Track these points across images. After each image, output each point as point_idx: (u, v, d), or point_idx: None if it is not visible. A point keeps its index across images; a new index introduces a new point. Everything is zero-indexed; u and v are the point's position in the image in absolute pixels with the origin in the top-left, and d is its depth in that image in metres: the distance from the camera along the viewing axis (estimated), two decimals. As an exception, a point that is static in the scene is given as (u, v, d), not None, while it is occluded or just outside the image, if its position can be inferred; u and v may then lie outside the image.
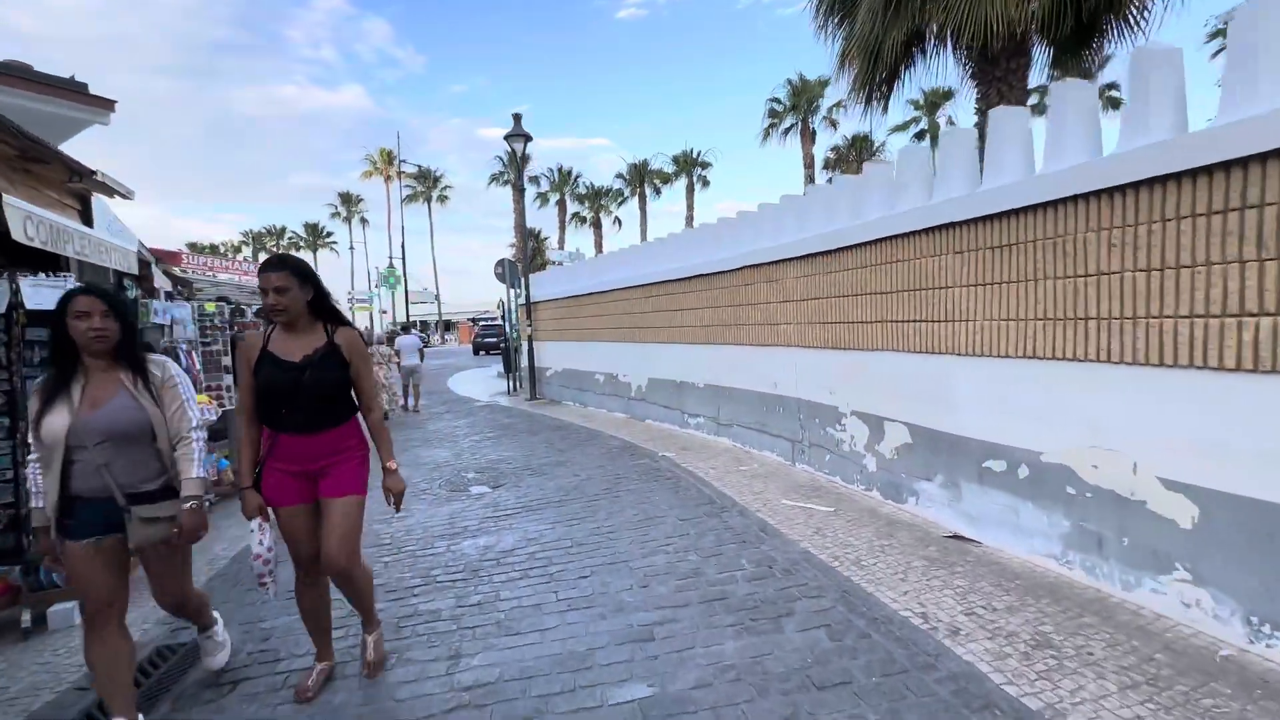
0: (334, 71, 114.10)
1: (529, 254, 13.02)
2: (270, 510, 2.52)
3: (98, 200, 7.26)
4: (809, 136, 32.65)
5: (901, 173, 4.43)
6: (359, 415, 2.69)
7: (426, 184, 48.44)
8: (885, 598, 3.15)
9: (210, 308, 6.11)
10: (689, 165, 37.43)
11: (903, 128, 31.62)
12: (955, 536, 3.92)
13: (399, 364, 11.42)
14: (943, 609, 3.02)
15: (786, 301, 5.75)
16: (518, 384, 14.08)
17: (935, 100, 29.93)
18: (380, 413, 2.73)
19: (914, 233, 4.19)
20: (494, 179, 45.79)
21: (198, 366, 5.40)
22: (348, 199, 59.03)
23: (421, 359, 12.13)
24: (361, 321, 50.32)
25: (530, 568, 3.81)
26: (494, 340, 30.68)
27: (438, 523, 4.81)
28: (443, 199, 50.21)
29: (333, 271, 66.86)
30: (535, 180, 45.82)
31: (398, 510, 2.73)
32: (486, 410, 11.33)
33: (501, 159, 45.59)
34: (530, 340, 12.50)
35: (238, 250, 62.58)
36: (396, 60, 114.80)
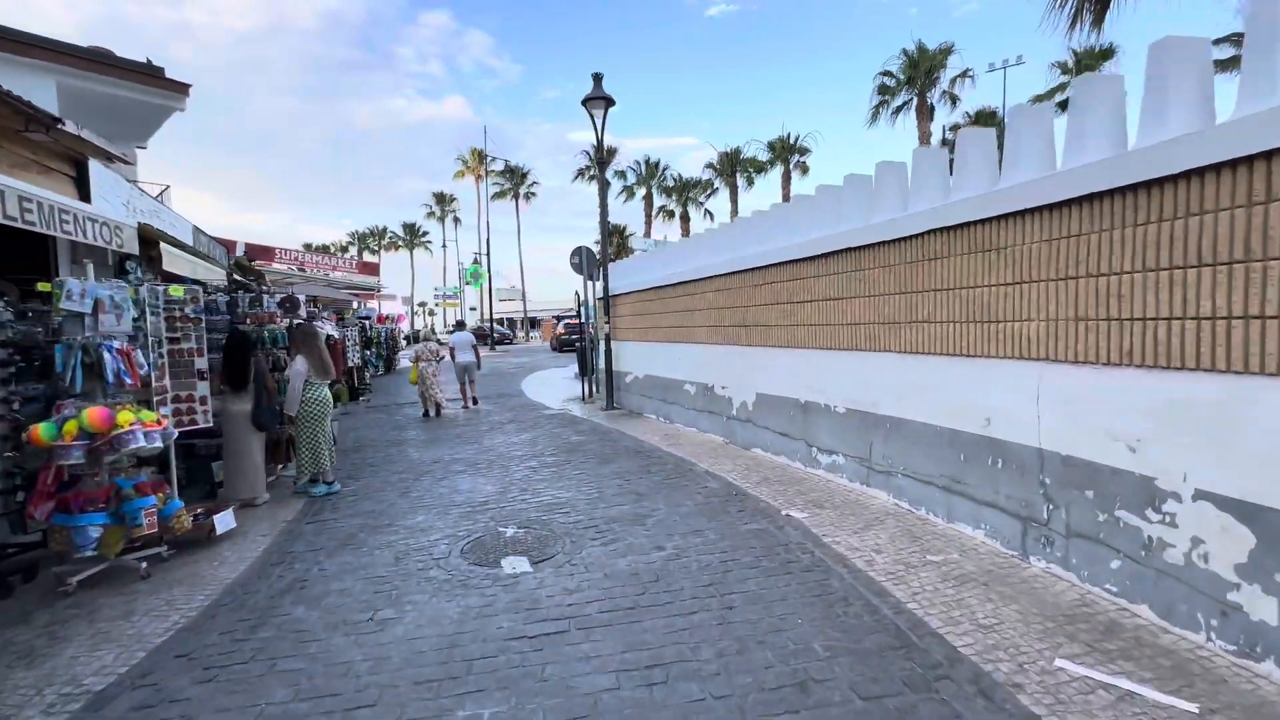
0: (438, 84, 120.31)
1: (608, 242, 11.11)
2: None
3: (170, 197, 5.95)
4: (926, 113, 28.86)
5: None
6: None
7: (514, 180, 48.40)
8: None
9: (177, 291, 4.61)
10: (785, 151, 34.44)
11: (1045, 97, 27.11)
12: None
13: (454, 359, 11.46)
14: None
15: (1038, 282, 3.40)
16: (594, 388, 12.29)
17: (1089, 62, 25.28)
18: None
19: None
20: (579, 174, 44.92)
21: (142, 367, 3.87)
22: (441, 198, 60.63)
23: (477, 356, 11.68)
24: (448, 317, 51.41)
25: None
26: (573, 338, 29.75)
27: (430, 646, 2.93)
28: (529, 195, 50.03)
29: (426, 269, 69.14)
30: (621, 174, 44.47)
31: None
32: (555, 422, 9.57)
33: (588, 153, 44.68)
34: (608, 340, 10.63)
35: (345, 250, 66.13)
36: (494, 70, 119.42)
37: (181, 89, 12.66)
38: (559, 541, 4.18)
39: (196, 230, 10.42)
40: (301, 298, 7.05)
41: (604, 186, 11.08)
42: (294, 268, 21.72)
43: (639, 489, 5.41)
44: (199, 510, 4.46)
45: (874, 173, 4.82)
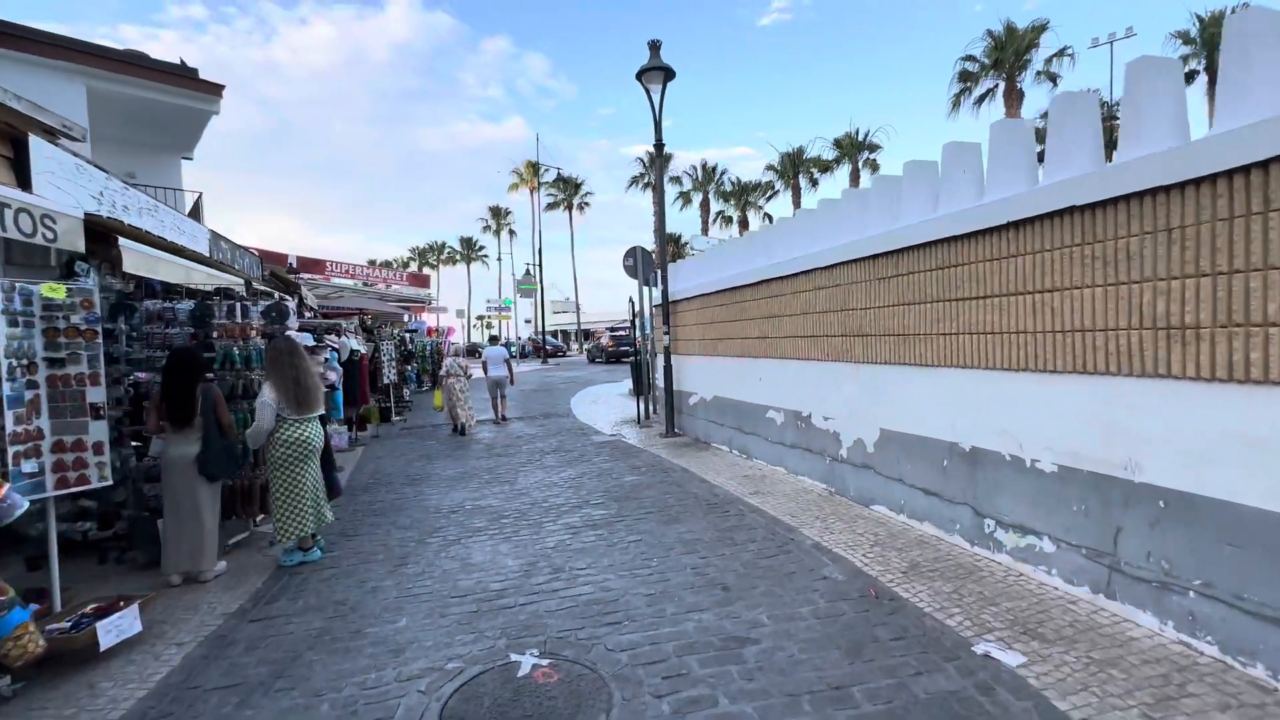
0: (499, 106, 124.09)
1: (665, 239, 9.54)
2: None
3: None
4: (1015, 98, 25.98)
5: None
6: None
7: (567, 191, 47.82)
8: None
9: (55, 292, 3.25)
10: (853, 149, 32.01)
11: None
12: None
13: (486, 374, 11.30)
14: None
15: None
16: (651, 407, 10.65)
17: (1216, 30, 21.85)
18: None
19: None
20: (634, 181, 43.86)
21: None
22: (496, 212, 61.01)
23: (509, 371, 11.46)
24: (505, 329, 51.12)
25: None
26: (625, 349, 28.42)
27: None
28: (583, 206, 49.33)
29: (482, 282, 69.75)
30: (676, 180, 43.05)
31: None
32: (606, 452, 7.97)
33: (641, 160, 43.54)
34: (667, 354, 8.97)
35: (405, 265, 67.57)
36: (551, 90, 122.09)
37: (215, 90, 12.07)
38: (603, 696, 2.52)
39: (216, 236, 9.53)
40: (291, 305, 5.75)
41: (661, 167, 9.47)
42: (347, 280, 21.23)
43: (724, 577, 3.68)
44: (87, 610, 3.07)
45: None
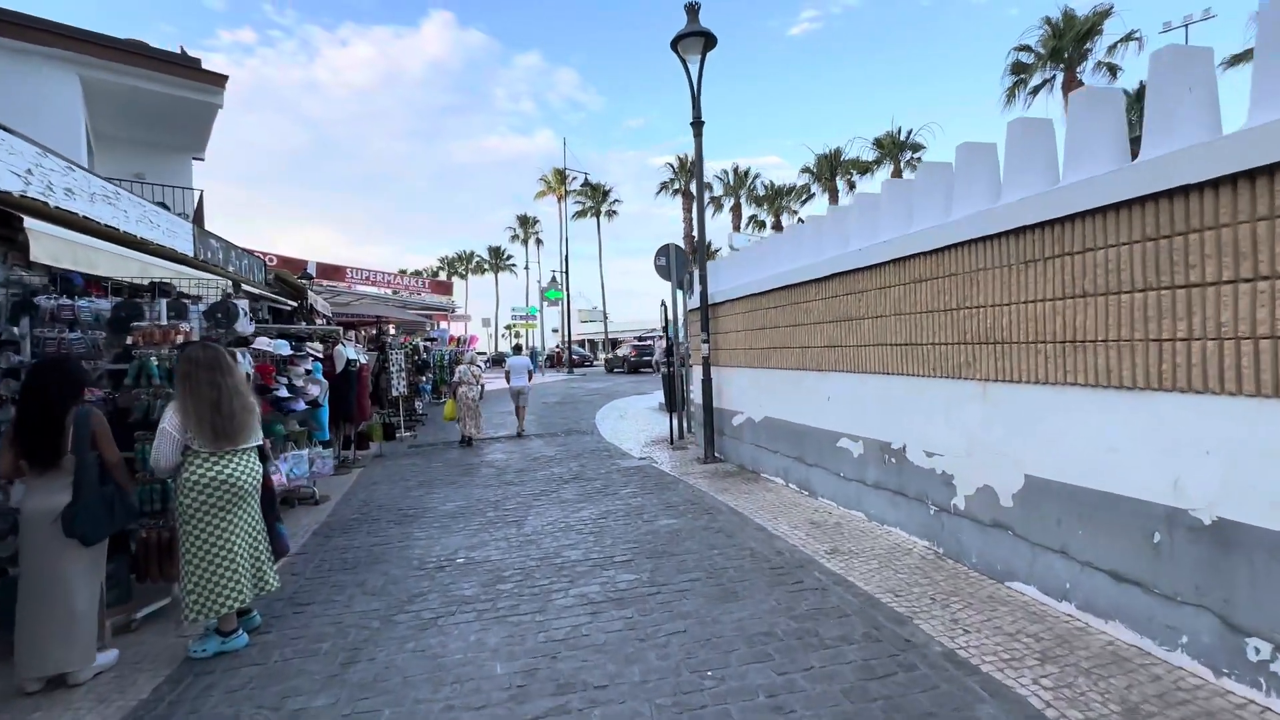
0: (529, 120, 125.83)
1: (704, 235, 8.26)
2: None
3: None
4: (1076, 90, 24.02)
5: None
6: None
7: (595, 198, 47.01)
8: None
9: None
10: (895, 148, 30.30)
11: (1241, 58, 21.67)
12: None
13: (509, 383, 11.02)
14: None
15: None
16: (686, 425, 9.35)
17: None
18: None
19: None
20: (663, 187, 42.81)
21: None
22: (524, 221, 60.69)
23: (530, 380, 11.15)
24: (533, 338, 50.43)
25: None
26: (646, 359, 27.83)
27: None
28: (611, 214, 48.47)
29: (511, 291, 69.68)
30: (707, 185, 41.83)
31: None
32: (635, 483, 6.70)
33: (671, 166, 42.47)
34: (706, 366, 7.67)
35: (435, 274, 67.76)
36: (581, 104, 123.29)
37: (217, 81, 11.28)
38: None
39: (204, 234, 8.63)
40: (243, 304, 4.65)
41: (699, 148, 8.23)
42: (368, 287, 20.55)
43: (819, 718, 2.36)
44: None
45: None
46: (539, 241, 61.46)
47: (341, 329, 9.35)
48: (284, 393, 5.63)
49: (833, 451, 5.25)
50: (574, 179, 43.10)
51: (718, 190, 39.62)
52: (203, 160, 14.48)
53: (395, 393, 10.92)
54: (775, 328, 6.28)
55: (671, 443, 9.08)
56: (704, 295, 7.67)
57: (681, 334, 9.62)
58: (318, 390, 6.08)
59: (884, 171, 31.41)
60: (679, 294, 9.49)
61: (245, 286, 8.33)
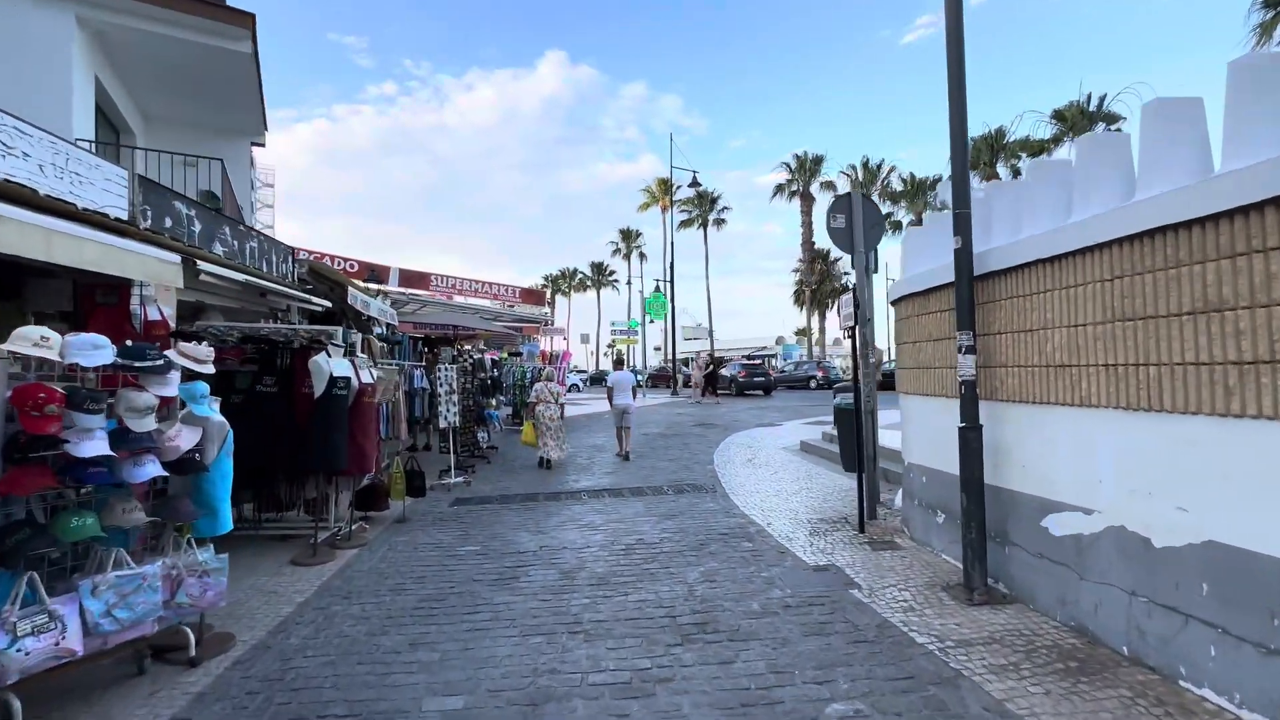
0: (634, 146, 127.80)
1: (965, 121, 3.84)
2: None
3: None
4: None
5: None
6: None
7: (702, 206, 43.75)
8: None
9: None
10: (1083, 119, 24.21)
11: None
12: None
13: (611, 403, 9.91)
14: None
15: None
16: (873, 491, 5.50)
17: None
18: None
19: None
20: (778, 191, 38.78)
21: None
22: (627, 235, 58.88)
23: (635, 397, 10.19)
24: (633, 357, 47.74)
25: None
26: (758, 379, 25.31)
27: None
28: (719, 222, 44.99)
29: (613, 308, 68.17)
30: (829, 185, 37.22)
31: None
32: (827, 655, 3.03)
33: (788, 166, 38.34)
34: (969, 396, 3.80)
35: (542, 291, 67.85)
36: (684, 128, 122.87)
37: (241, 21, 9.08)
38: None
39: (153, 187, 6.10)
40: None
41: None
42: (442, 297, 18.50)
43: None
44: None
45: None
46: (642, 256, 59.27)
47: (361, 337, 6.52)
48: (93, 444, 2.61)
49: None
50: (679, 188, 40.13)
51: (843, 187, 34.90)
52: (263, 145, 12.88)
53: (445, 422, 8.00)
54: (1210, 312, 2.39)
55: (862, 528, 5.25)
56: (964, 254, 3.84)
57: (880, 338, 5.83)
58: (191, 440, 3.01)
59: (1063, 151, 25.33)
60: (860, 273, 5.74)
61: (233, 274, 5.71)
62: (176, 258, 4.74)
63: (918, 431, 4.88)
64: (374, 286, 12.46)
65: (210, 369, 3.22)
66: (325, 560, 4.85)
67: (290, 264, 8.54)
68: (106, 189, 5.06)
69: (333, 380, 4.89)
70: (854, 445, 5.60)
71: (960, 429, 3.77)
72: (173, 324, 5.32)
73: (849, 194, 5.79)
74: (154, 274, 4.60)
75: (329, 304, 8.23)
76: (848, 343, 6.47)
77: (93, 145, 7.45)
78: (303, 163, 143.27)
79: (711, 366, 23.43)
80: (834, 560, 4.54)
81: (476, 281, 21.62)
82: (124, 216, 5.15)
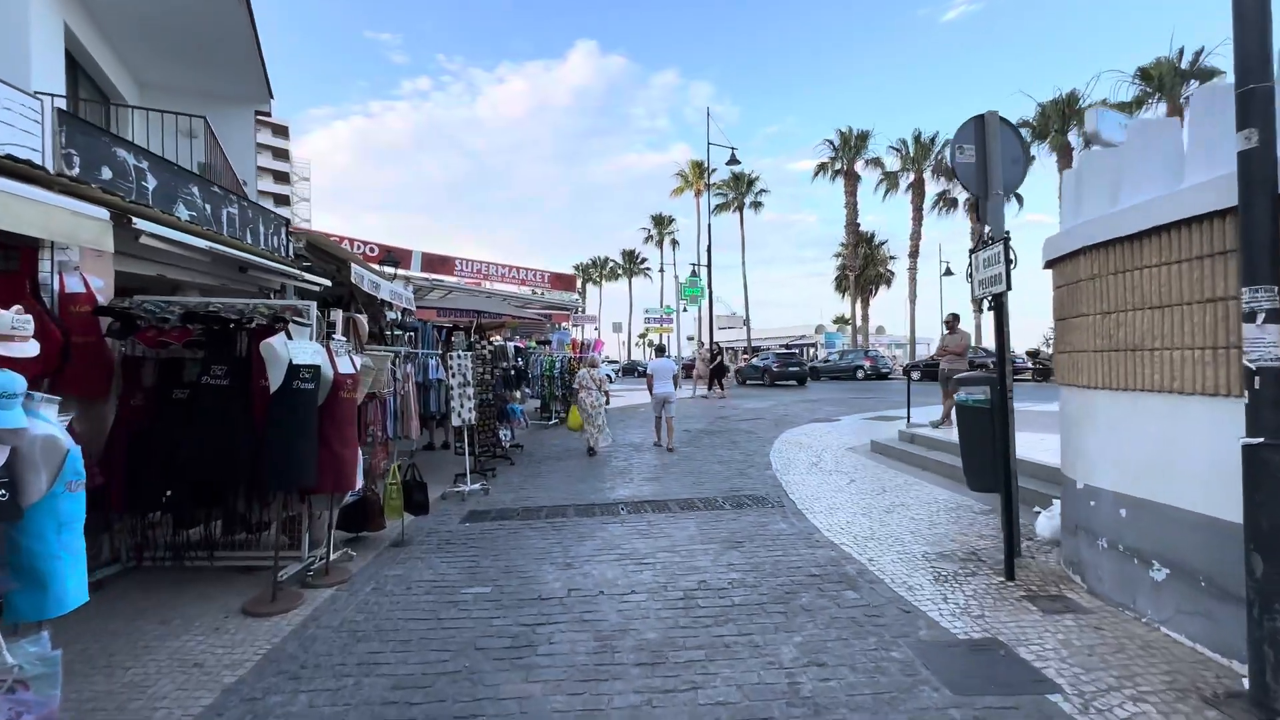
0: (664, 136, 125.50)
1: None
2: None
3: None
4: None
5: None
6: None
7: (738, 188, 41.86)
8: None
9: None
10: (1175, 78, 21.59)
11: None
12: None
13: (651, 392, 9.30)
14: None
15: None
16: (1013, 516, 4.00)
17: None
18: None
19: None
20: (820, 169, 36.66)
21: None
22: (659, 220, 57.29)
23: (676, 385, 9.51)
24: (669, 344, 46.18)
25: None
26: (793, 369, 24.67)
27: None
28: (757, 205, 43.03)
29: (645, 297, 66.89)
30: (875, 162, 34.96)
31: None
32: None
33: (831, 143, 36.14)
34: (1255, 392, 2.33)
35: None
36: (716, 115, 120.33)
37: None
38: None
39: (80, 123, 4.87)
40: None
41: None
42: (483, 282, 17.43)
43: None
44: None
45: None
46: (674, 243, 57.59)
47: (344, 315, 5.34)
48: None
49: None
50: (714, 170, 38.33)
51: (892, 165, 32.65)
52: (268, 114, 11.88)
53: (458, 420, 6.80)
54: None
55: (1010, 573, 3.79)
56: (1265, 160, 2.34)
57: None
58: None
59: (1149, 114, 22.73)
60: (998, 222, 4.25)
61: (190, 239, 4.55)
62: (104, 212, 3.58)
63: (1108, 442, 3.40)
64: (390, 270, 11.35)
65: (21, 352, 1.98)
66: (287, 607, 3.66)
67: (284, 237, 7.42)
68: (9, 121, 3.95)
69: (293, 369, 3.67)
70: (988, 455, 4.12)
71: (1247, 446, 2.30)
72: (102, 299, 4.20)
73: (981, 116, 4.28)
74: (66, 232, 3.41)
75: (329, 283, 7.09)
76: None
77: (60, 100, 6.43)
78: (343, 160, 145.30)
79: (717, 358, 21.56)
80: (992, 629, 3.12)
81: (504, 266, 20.42)
82: (36, 160, 4.03)
